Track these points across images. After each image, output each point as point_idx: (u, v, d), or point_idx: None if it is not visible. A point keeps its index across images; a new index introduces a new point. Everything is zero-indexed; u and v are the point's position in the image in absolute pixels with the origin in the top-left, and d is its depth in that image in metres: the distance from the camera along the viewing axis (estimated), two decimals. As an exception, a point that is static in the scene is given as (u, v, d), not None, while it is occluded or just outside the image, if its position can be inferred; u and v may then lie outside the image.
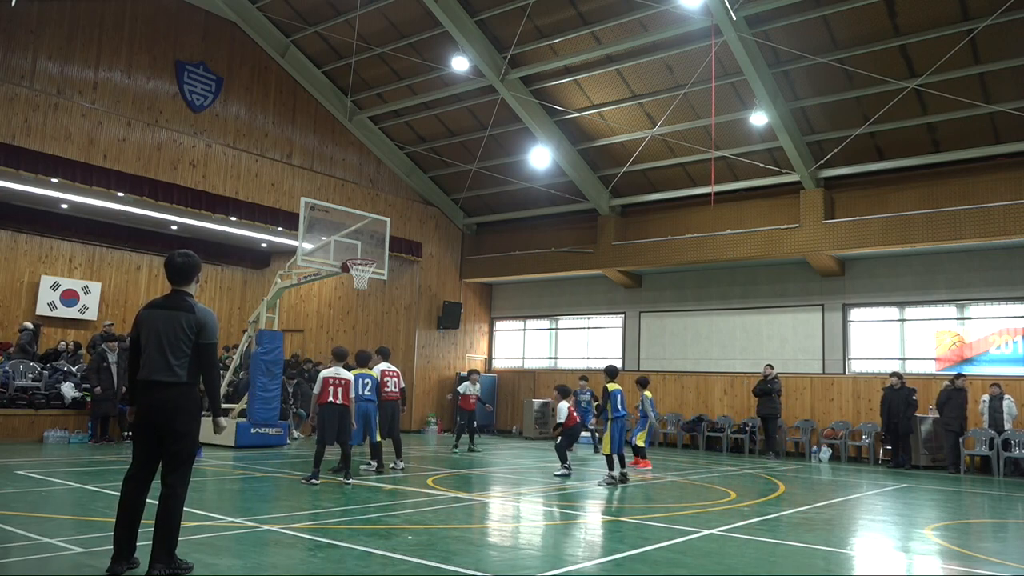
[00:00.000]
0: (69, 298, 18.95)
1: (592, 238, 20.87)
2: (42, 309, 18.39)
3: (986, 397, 14.77)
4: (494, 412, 21.84)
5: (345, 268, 14.84)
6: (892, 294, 17.28)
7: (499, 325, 24.10)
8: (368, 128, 20.83)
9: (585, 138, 19.37)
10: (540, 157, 18.88)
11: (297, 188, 18.73)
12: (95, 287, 19.50)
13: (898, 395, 15.32)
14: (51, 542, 5.83)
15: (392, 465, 11.54)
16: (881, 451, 16.38)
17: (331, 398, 9.87)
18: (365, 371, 10.88)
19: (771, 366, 17.25)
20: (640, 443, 13.33)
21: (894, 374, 15.73)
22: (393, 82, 19.46)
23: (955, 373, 15.22)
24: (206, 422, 15.18)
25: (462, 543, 6.50)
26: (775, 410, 16.83)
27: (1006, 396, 14.61)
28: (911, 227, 15.97)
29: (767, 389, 16.79)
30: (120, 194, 15.92)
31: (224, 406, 15.53)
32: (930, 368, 16.70)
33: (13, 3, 14.27)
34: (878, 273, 17.45)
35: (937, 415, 15.16)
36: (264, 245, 21.83)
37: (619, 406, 11.13)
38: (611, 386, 11.20)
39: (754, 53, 15.15)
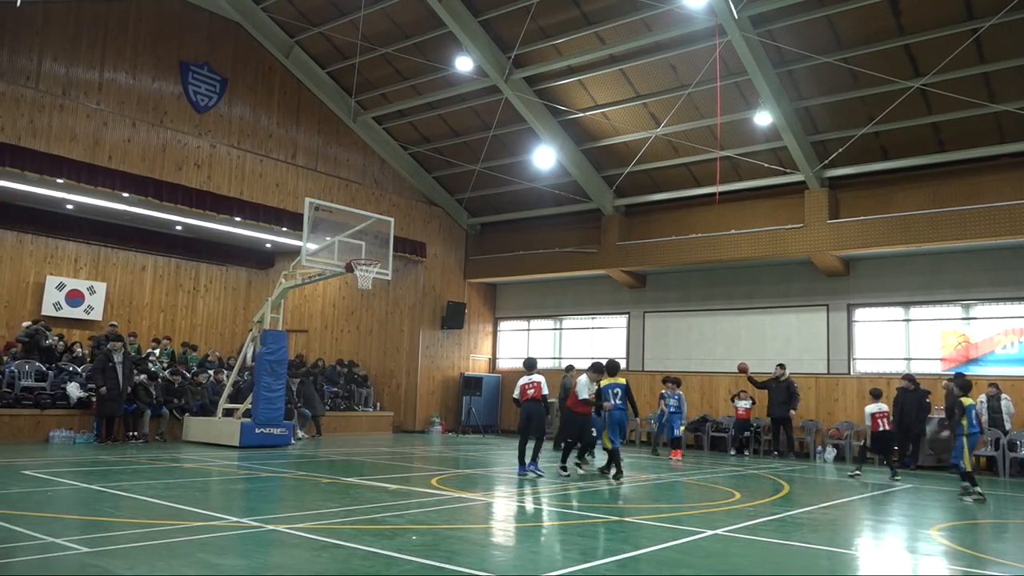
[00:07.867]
0: (74, 298, 18.98)
1: (596, 238, 20.85)
2: (47, 309, 18.41)
3: (983, 397, 14.67)
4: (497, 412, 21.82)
5: (349, 268, 14.85)
6: (897, 294, 17.23)
7: (503, 325, 24.10)
8: (372, 128, 20.84)
9: (589, 138, 19.36)
10: (544, 157, 18.88)
11: (301, 188, 18.75)
12: (100, 287, 19.53)
13: (911, 397, 15.14)
14: (56, 542, 5.83)
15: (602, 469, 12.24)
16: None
17: (526, 396, 11.48)
18: (615, 380, 11.96)
19: (782, 366, 17.04)
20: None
21: (906, 376, 15.53)
22: (397, 82, 19.48)
23: (954, 373, 15.10)
24: (198, 422, 15.03)
25: (466, 543, 6.50)
26: (788, 412, 16.52)
27: (1004, 396, 14.55)
28: (916, 227, 15.93)
29: (776, 388, 16.50)
30: (125, 194, 15.97)
31: (228, 406, 15.57)
32: (936, 368, 16.64)
33: (19, 3, 14.30)
34: (883, 273, 17.40)
35: (943, 416, 15.08)
36: (268, 245, 21.86)
37: (612, 400, 11.75)
38: (604, 381, 11.78)
39: (758, 53, 15.13)
